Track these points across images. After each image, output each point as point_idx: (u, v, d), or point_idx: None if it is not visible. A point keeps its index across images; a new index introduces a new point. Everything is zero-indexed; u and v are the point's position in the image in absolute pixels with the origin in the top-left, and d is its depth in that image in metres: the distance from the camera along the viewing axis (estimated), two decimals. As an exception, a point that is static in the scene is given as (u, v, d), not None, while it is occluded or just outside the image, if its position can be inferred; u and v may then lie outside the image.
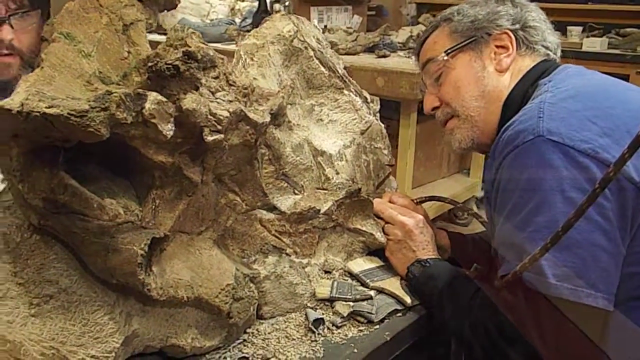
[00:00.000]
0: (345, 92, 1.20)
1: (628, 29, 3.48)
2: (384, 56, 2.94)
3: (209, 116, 0.73)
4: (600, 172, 0.82)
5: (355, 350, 0.90)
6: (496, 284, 0.85)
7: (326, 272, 1.07)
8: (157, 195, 0.78)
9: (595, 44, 3.35)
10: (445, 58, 1.12)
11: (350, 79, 1.23)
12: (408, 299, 1.01)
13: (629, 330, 0.86)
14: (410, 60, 2.28)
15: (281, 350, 0.89)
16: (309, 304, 0.99)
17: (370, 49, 3.02)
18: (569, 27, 3.53)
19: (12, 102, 0.59)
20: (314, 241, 1.04)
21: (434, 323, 1.01)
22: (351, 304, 0.98)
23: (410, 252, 1.07)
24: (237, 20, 3.40)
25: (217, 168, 0.82)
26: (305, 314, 0.96)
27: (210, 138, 0.74)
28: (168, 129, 0.65)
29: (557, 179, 0.83)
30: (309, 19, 3.15)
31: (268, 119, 0.83)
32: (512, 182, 0.89)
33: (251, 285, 0.89)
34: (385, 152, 1.26)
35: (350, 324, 0.96)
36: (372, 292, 1.01)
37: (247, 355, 0.87)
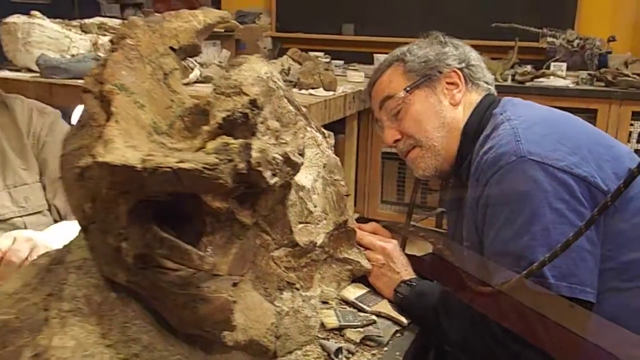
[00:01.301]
0: (308, 128, 1.26)
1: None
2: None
3: (269, 160, 0.75)
4: (576, 185, 0.98)
5: (380, 372, 0.96)
6: (495, 289, 0.97)
7: (323, 302, 1.11)
8: (209, 242, 0.78)
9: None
10: (404, 95, 1.23)
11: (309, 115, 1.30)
12: (404, 319, 1.09)
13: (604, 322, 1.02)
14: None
15: (311, 382, 0.92)
16: (319, 335, 1.03)
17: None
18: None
19: (128, 158, 0.58)
20: (313, 274, 1.08)
21: (429, 337, 1.10)
22: (361, 329, 1.03)
23: (394, 274, 1.15)
24: (102, 54, 3.27)
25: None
26: (321, 345, 1.00)
27: (272, 181, 0.76)
28: (269, 176, 0.67)
29: (542, 192, 0.98)
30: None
31: (302, 160, 0.87)
32: (502, 198, 1.02)
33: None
34: (343, 183, 1.33)
35: (362, 349, 1.02)
36: (374, 317, 1.08)
37: (286, 392, 0.89)
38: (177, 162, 0.57)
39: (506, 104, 1.20)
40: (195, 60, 3.31)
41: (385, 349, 1.02)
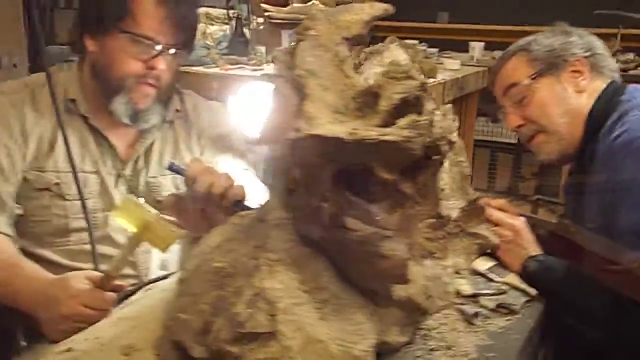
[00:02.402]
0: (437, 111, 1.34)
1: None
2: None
3: (444, 135, 0.85)
4: None
5: (517, 336, 1.04)
6: (626, 267, 1.03)
7: (455, 272, 1.20)
8: (378, 208, 0.89)
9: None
10: (529, 82, 1.30)
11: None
12: (532, 291, 1.16)
13: None
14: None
15: (456, 341, 1.01)
16: (455, 301, 1.12)
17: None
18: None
19: (336, 131, 0.69)
20: (447, 246, 1.17)
21: (556, 310, 1.17)
22: (494, 297, 1.12)
23: (522, 250, 1.22)
24: (209, 43, 3.46)
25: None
26: (458, 310, 1.09)
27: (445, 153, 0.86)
28: (445, 150, 0.77)
29: None
30: (279, 42, 3.25)
31: (457, 139, 0.96)
32: (635, 181, 1.08)
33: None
34: (465, 164, 1.42)
35: (496, 315, 1.10)
36: (504, 287, 1.16)
37: (433, 347, 0.99)
38: (380, 135, 0.68)
39: (633, 91, 1.25)
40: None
41: (518, 316, 1.11)
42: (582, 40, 1.33)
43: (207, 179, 0.97)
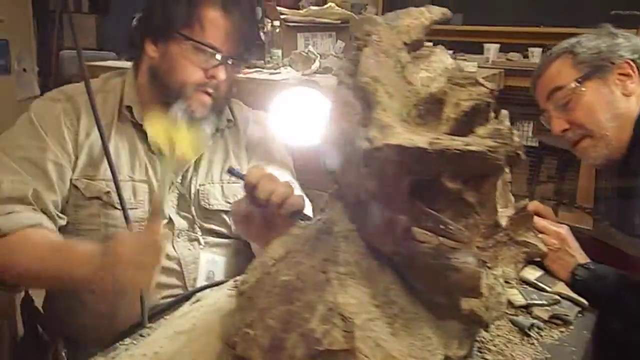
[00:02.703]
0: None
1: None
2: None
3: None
4: None
5: (574, 348, 1.02)
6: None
7: (505, 282, 1.18)
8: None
9: (557, 64, 3.68)
10: (575, 86, 1.28)
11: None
12: (584, 301, 1.14)
13: None
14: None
15: (513, 354, 0.99)
16: (507, 312, 1.10)
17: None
18: (530, 49, 3.85)
19: (416, 141, 0.67)
20: (497, 255, 1.15)
21: (608, 319, 1.14)
22: (548, 308, 1.10)
23: (570, 258, 1.20)
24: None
25: (478, 192, 0.91)
26: (511, 321, 1.07)
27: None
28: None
29: None
30: (295, 45, 3.23)
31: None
32: None
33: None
34: (507, 170, 1.39)
35: (550, 327, 1.08)
36: (557, 297, 1.14)
37: (491, 360, 0.97)
38: (465, 145, 0.65)
39: None
40: (316, 51, 3.43)
41: (571, 327, 1.08)
42: (629, 43, 1.30)
43: (268, 186, 0.95)
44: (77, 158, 1.22)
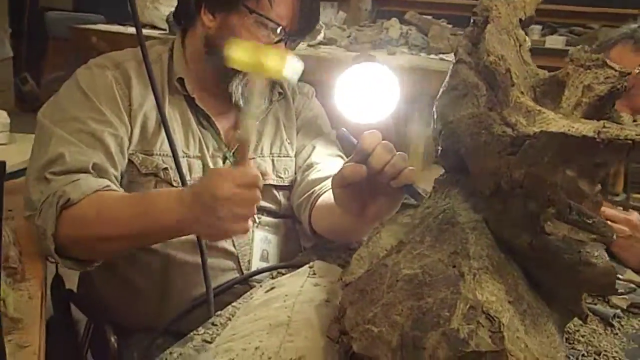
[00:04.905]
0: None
1: (579, 28, 3.84)
2: (393, 53, 3.01)
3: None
4: None
5: (658, 338, 1.00)
6: None
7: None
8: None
9: (557, 42, 3.66)
10: (639, 71, 1.25)
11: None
12: (656, 289, 1.12)
13: None
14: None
15: (601, 345, 0.96)
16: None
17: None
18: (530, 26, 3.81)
19: (581, 129, 0.62)
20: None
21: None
22: (626, 297, 1.07)
23: (641, 245, 1.18)
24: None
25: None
26: (591, 310, 1.04)
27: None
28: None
29: None
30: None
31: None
32: None
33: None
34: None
35: (628, 315, 1.06)
36: (632, 285, 1.11)
37: (583, 352, 0.94)
38: (637, 135, 0.61)
39: None
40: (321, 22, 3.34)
41: (649, 315, 1.06)
42: (689, 27, 1.28)
43: (384, 156, 0.87)
44: (132, 130, 1.14)
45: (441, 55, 2.84)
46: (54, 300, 1.34)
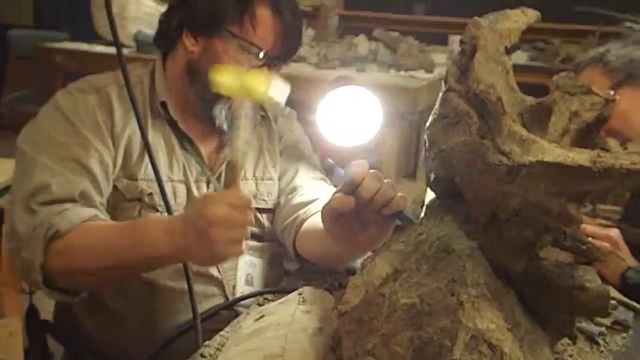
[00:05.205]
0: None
1: (541, 44, 3.93)
2: (363, 70, 3.04)
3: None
4: None
5: (642, 354, 1.02)
6: None
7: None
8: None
9: (520, 58, 3.75)
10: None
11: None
12: (636, 304, 1.14)
13: None
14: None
15: (587, 363, 0.98)
16: (569, 318, 1.09)
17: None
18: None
19: (576, 158, 0.63)
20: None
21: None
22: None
23: (620, 261, 1.20)
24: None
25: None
26: (577, 328, 1.06)
27: None
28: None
29: None
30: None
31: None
32: None
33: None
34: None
35: (611, 332, 1.07)
36: (614, 302, 1.13)
37: (570, 371, 0.95)
38: (632, 164, 0.62)
39: None
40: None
41: (630, 332, 1.08)
42: (658, 49, 1.32)
43: (374, 184, 0.87)
44: (115, 155, 1.11)
45: (411, 72, 2.87)
46: (28, 332, 1.30)
